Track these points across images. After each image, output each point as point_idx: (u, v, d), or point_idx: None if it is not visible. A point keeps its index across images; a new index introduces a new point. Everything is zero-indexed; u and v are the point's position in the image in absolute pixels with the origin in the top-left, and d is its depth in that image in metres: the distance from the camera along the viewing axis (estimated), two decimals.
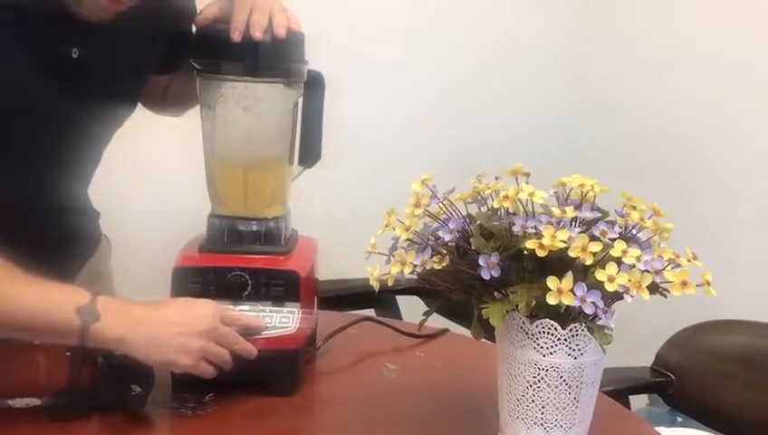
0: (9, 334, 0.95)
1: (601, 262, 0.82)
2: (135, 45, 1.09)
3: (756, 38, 1.82)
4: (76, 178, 1.17)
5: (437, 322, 1.19)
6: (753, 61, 1.83)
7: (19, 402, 0.98)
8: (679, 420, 1.53)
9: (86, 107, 1.05)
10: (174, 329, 0.96)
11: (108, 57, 1.05)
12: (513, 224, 0.85)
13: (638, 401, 1.63)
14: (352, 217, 1.79)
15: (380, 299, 1.66)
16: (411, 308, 1.65)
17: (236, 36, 1.02)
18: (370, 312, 1.57)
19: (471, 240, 0.87)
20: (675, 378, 1.39)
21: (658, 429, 1.05)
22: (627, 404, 1.30)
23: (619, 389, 1.24)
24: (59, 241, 1.15)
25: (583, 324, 0.84)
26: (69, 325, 0.92)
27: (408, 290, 1.57)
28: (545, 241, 0.81)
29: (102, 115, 1.10)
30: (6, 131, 0.99)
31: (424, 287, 0.90)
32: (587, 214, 0.87)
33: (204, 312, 0.97)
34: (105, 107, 1.09)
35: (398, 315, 1.68)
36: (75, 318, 0.92)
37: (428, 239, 0.88)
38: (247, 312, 1.03)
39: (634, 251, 0.81)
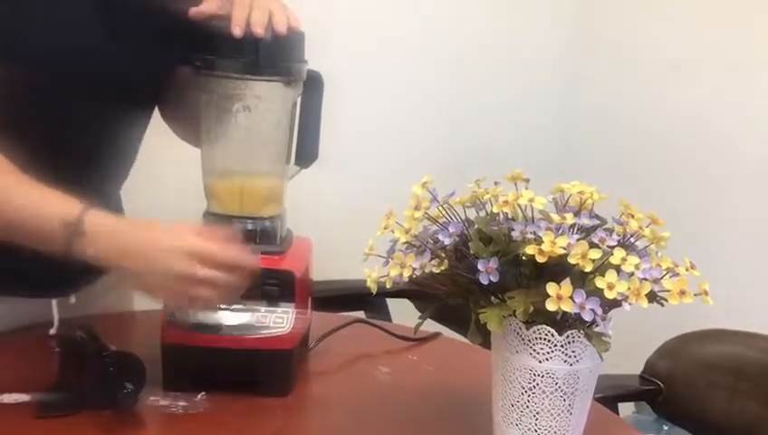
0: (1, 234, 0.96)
1: (600, 269, 0.82)
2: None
3: (752, 42, 1.83)
4: (112, 167, 1.18)
5: (428, 325, 1.19)
6: (750, 64, 1.84)
7: (7, 398, 0.97)
8: (665, 428, 1.54)
9: (132, 56, 1.06)
10: (150, 267, 0.93)
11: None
12: (513, 229, 0.85)
13: (625, 409, 1.64)
14: (344, 219, 1.79)
15: (370, 301, 1.66)
16: (400, 311, 1.65)
17: (237, 31, 1.01)
18: (360, 314, 1.56)
19: (470, 244, 0.87)
20: (663, 386, 1.40)
21: None
22: (616, 412, 1.30)
23: (608, 396, 1.24)
24: None
25: (580, 331, 0.84)
26: (54, 237, 0.93)
27: (399, 293, 1.57)
28: (545, 247, 0.81)
29: (143, 71, 1.10)
30: (55, 72, 1.01)
31: (414, 290, 0.90)
32: (586, 221, 0.87)
33: (180, 253, 0.93)
34: (147, 61, 1.10)
35: (387, 318, 1.68)
36: (60, 231, 0.92)
37: (427, 242, 0.88)
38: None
39: (633, 259, 0.82)
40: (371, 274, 0.89)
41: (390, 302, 1.72)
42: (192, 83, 1.10)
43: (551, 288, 0.80)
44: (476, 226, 0.89)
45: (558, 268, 0.83)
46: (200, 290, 0.94)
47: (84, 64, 1.05)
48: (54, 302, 1.16)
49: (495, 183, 0.90)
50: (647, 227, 0.87)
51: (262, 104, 1.07)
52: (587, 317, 0.80)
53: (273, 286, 1.02)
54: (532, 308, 0.83)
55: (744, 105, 1.85)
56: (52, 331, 1.14)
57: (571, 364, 0.85)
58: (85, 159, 1.10)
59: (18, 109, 1.02)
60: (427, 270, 0.87)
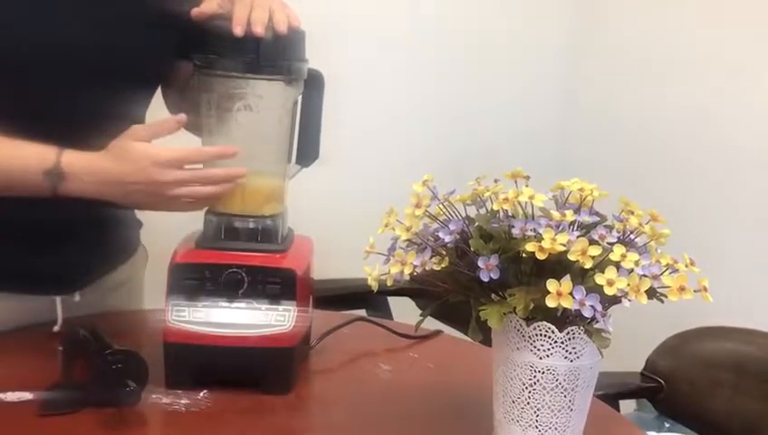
0: None
1: (600, 266, 0.82)
2: None
3: (752, 42, 1.84)
4: None
5: (429, 323, 1.19)
6: (750, 64, 1.84)
7: (10, 396, 0.98)
8: (667, 425, 1.54)
9: (132, 54, 1.09)
10: (133, 188, 1.02)
11: None
12: (513, 226, 0.86)
13: (626, 407, 1.64)
14: (345, 218, 1.79)
15: (372, 299, 1.66)
16: (401, 309, 1.65)
17: (239, 31, 1.01)
18: (361, 312, 1.57)
19: (470, 242, 0.88)
20: (665, 383, 1.40)
21: (648, 434, 1.05)
22: (617, 409, 1.31)
23: (609, 393, 1.25)
24: (86, 244, 1.17)
25: (581, 328, 0.84)
26: (39, 187, 1.00)
27: (400, 291, 1.57)
28: (545, 244, 0.81)
29: (142, 68, 1.12)
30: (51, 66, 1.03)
31: (416, 288, 0.90)
32: (586, 218, 0.87)
33: (153, 167, 1.00)
34: (147, 59, 1.11)
35: (388, 316, 1.68)
36: (44, 180, 1.00)
37: (428, 240, 0.88)
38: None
39: (633, 255, 0.82)
40: (372, 272, 0.90)
41: (391, 300, 1.72)
42: (193, 82, 1.11)
43: (551, 285, 0.80)
44: (477, 223, 0.90)
45: (558, 265, 0.83)
46: (186, 190, 1.02)
47: (82, 62, 1.05)
48: (58, 300, 1.17)
49: (496, 181, 0.91)
50: (646, 223, 0.88)
51: (263, 103, 1.07)
52: (587, 314, 0.80)
53: (274, 285, 1.03)
54: (532, 305, 0.83)
55: (743, 105, 1.86)
56: (56, 328, 1.15)
57: (571, 361, 0.85)
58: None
59: (10, 101, 1.03)
60: (427, 268, 0.87)
